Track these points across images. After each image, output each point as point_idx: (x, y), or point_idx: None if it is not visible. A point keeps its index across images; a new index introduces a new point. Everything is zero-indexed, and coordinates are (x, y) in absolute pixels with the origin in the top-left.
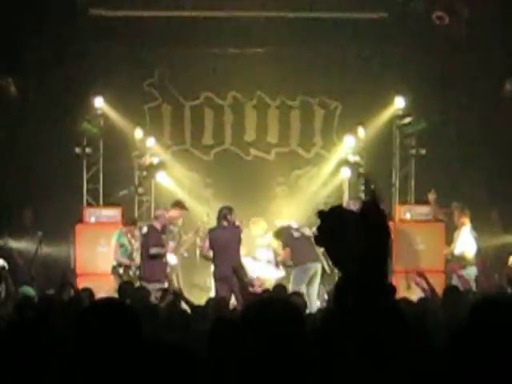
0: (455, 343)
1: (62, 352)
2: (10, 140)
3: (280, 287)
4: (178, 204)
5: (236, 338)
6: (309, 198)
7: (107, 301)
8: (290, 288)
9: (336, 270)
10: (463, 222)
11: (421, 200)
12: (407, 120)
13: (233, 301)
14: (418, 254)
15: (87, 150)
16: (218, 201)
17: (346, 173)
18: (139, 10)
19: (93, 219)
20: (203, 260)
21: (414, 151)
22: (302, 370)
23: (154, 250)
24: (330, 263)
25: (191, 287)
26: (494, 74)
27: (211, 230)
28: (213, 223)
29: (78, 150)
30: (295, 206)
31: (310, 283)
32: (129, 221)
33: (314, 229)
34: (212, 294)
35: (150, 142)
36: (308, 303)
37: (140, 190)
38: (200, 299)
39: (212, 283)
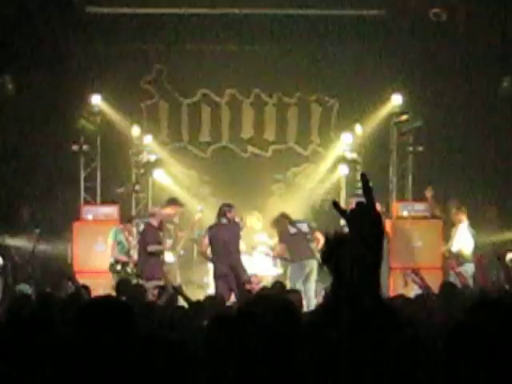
0: (451, 340)
1: (59, 350)
2: (7, 138)
3: (278, 284)
4: (173, 201)
5: (233, 335)
6: (306, 195)
7: (104, 298)
8: (288, 285)
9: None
10: (460, 218)
11: (418, 197)
12: (404, 117)
13: (233, 298)
14: (415, 250)
15: (84, 147)
16: (216, 198)
17: (343, 170)
18: (136, 7)
19: (90, 216)
20: (200, 258)
21: (411, 148)
22: (299, 368)
23: (152, 248)
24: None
25: (188, 284)
26: (491, 71)
27: (211, 228)
28: (206, 219)
29: (75, 147)
30: (292, 202)
31: (306, 280)
32: (125, 218)
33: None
34: (210, 291)
35: (147, 139)
36: (306, 300)
37: (137, 187)
38: (197, 296)
39: (210, 280)
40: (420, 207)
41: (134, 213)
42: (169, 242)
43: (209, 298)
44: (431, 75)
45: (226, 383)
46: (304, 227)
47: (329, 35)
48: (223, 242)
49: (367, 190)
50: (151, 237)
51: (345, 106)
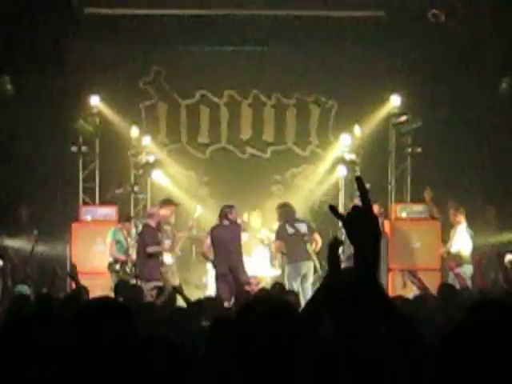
0: (450, 341)
1: (57, 351)
2: (6, 138)
3: (278, 285)
4: (168, 202)
5: (234, 337)
6: (305, 196)
7: (102, 300)
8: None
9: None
10: (459, 220)
11: (417, 198)
12: (403, 118)
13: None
14: (414, 252)
15: (83, 148)
16: (214, 199)
17: (341, 171)
18: (135, 8)
19: (89, 217)
20: (199, 257)
21: (409, 149)
22: (298, 368)
23: (151, 249)
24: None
25: (187, 285)
26: (490, 72)
27: (213, 229)
28: (204, 219)
29: (73, 148)
30: (291, 203)
31: (303, 281)
32: (124, 217)
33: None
34: (208, 291)
35: (146, 140)
36: (303, 301)
37: (136, 188)
38: (196, 297)
39: (208, 281)
40: (419, 208)
41: (132, 214)
42: (167, 243)
43: (207, 299)
44: (430, 76)
45: None
46: (303, 228)
47: (327, 36)
48: (224, 244)
49: (363, 192)
50: (150, 238)
51: (343, 107)
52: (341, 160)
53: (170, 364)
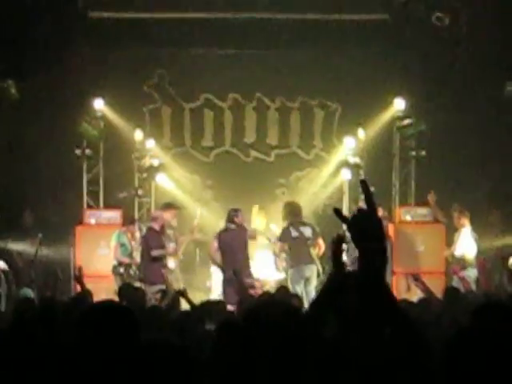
0: (455, 344)
1: (62, 355)
2: (10, 142)
3: (283, 289)
4: (169, 205)
5: (240, 340)
6: (309, 199)
7: (106, 303)
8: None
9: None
10: (463, 223)
11: (421, 201)
12: (407, 122)
13: None
14: (418, 255)
15: (87, 151)
16: (218, 202)
17: (345, 174)
18: (138, 12)
19: (93, 221)
20: (203, 261)
21: (413, 153)
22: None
23: (156, 253)
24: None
25: (191, 288)
26: (494, 75)
27: (220, 233)
28: (206, 223)
29: (77, 151)
30: None
31: (306, 284)
32: (128, 220)
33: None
34: (212, 295)
35: (150, 143)
36: (306, 303)
37: (140, 191)
38: (200, 300)
39: (212, 284)
40: (423, 212)
41: (136, 217)
42: (172, 246)
43: (211, 303)
44: (434, 79)
45: None
46: (307, 232)
47: (331, 40)
48: (231, 248)
49: (368, 196)
50: (154, 241)
51: (347, 111)
52: (345, 163)
53: (174, 367)
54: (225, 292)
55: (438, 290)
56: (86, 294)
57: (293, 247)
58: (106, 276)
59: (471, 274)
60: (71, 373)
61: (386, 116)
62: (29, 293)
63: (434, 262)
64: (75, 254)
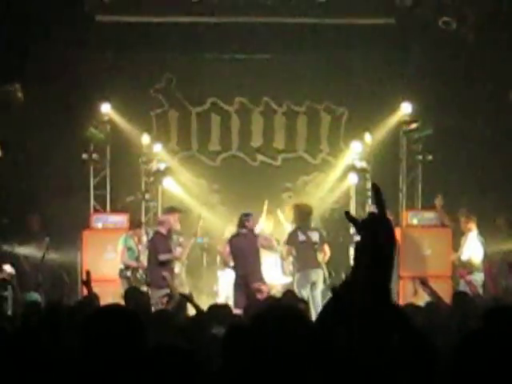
0: (465, 348)
1: (67, 358)
2: (17, 146)
3: (289, 293)
4: (172, 209)
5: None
6: (316, 203)
7: (112, 307)
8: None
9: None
10: (470, 227)
11: (428, 205)
12: (414, 126)
13: None
14: (424, 259)
15: (94, 155)
16: (225, 206)
17: (352, 179)
18: (146, 16)
19: (100, 225)
20: (210, 265)
21: (420, 157)
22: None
23: (163, 257)
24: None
25: (197, 293)
26: (501, 79)
27: (232, 238)
28: (215, 227)
29: (84, 155)
30: None
31: (312, 288)
32: (135, 224)
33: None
34: (219, 299)
35: (157, 147)
36: (313, 307)
37: (147, 195)
38: (207, 305)
39: (219, 288)
40: (430, 216)
41: (143, 221)
42: (179, 250)
43: (217, 307)
44: (441, 84)
45: None
46: (315, 236)
47: (338, 44)
48: (242, 252)
49: (379, 200)
50: (161, 245)
51: (354, 115)
52: (352, 168)
53: (180, 371)
54: (235, 297)
55: (444, 294)
56: (92, 297)
57: (299, 251)
58: (113, 280)
59: (478, 278)
60: (77, 376)
61: (392, 120)
62: (35, 297)
63: (440, 265)
64: (82, 258)
